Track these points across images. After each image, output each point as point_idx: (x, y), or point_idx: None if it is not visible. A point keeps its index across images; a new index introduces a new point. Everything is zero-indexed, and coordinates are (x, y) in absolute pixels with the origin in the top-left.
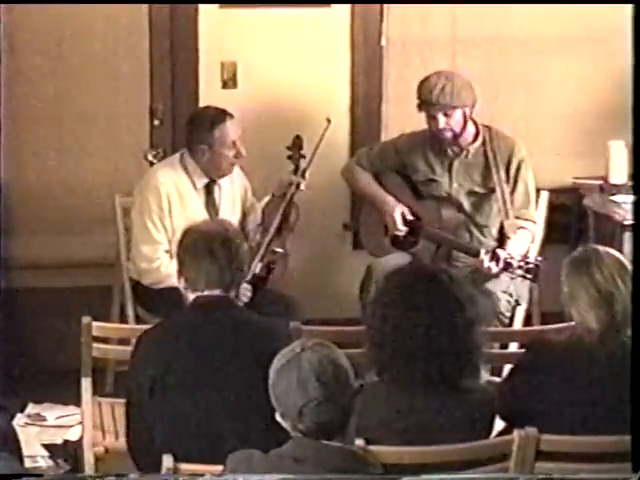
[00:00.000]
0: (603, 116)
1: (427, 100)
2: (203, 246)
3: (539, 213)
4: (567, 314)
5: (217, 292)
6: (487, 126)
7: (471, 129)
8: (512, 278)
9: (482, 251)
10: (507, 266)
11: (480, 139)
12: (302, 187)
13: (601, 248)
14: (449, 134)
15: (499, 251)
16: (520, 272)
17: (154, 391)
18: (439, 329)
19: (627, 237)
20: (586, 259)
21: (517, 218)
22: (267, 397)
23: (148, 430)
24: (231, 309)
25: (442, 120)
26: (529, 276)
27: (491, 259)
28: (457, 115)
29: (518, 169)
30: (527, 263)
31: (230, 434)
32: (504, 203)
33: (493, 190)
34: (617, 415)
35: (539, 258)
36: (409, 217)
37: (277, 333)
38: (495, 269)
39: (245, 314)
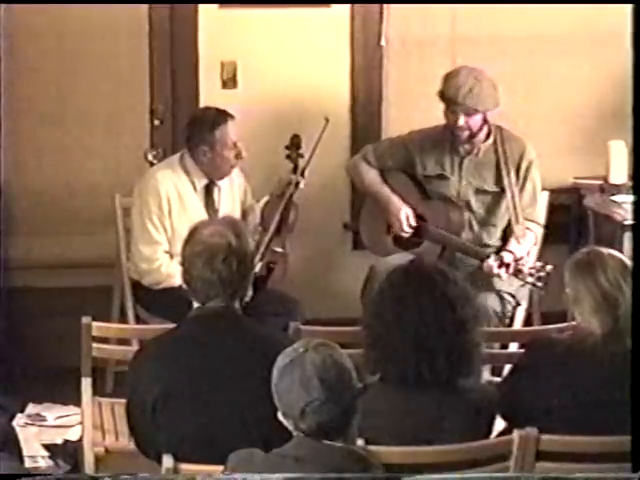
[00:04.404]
0: (603, 116)
1: (452, 98)
2: (205, 261)
3: (539, 213)
4: (570, 315)
5: (220, 303)
6: (498, 126)
7: (484, 128)
8: (522, 285)
9: (492, 257)
10: (517, 273)
11: (492, 138)
12: (301, 186)
13: (604, 250)
14: (466, 133)
15: (506, 256)
16: (531, 279)
17: (157, 405)
18: (430, 329)
19: (627, 237)
20: (590, 262)
21: (524, 218)
22: (269, 403)
23: (151, 434)
24: (234, 320)
25: (462, 119)
26: (539, 284)
27: (500, 265)
28: (477, 117)
29: (528, 170)
30: (538, 271)
31: (232, 437)
32: (515, 208)
33: (502, 190)
34: (617, 415)
35: (549, 266)
36: (413, 221)
37: (279, 343)
38: (504, 276)
39: (247, 324)
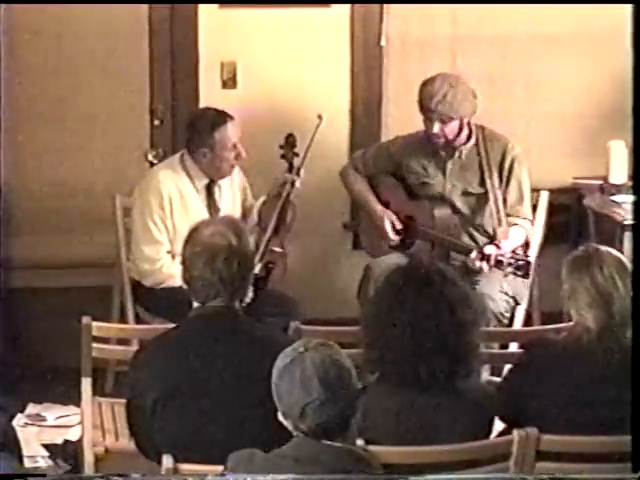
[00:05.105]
0: (603, 116)
1: (426, 106)
2: (206, 261)
3: (539, 213)
4: (565, 312)
5: (220, 303)
6: (480, 126)
7: (465, 131)
8: (505, 275)
9: (474, 251)
10: (498, 264)
11: (473, 139)
12: (297, 185)
13: (602, 248)
14: (441, 140)
15: (488, 250)
16: (510, 269)
17: (157, 405)
18: (428, 330)
19: (627, 237)
20: (587, 258)
21: (510, 215)
22: (269, 403)
23: (150, 434)
24: (233, 320)
25: (437, 126)
26: (519, 273)
27: (481, 259)
28: (453, 124)
29: (511, 167)
30: (517, 260)
31: (232, 437)
32: (497, 211)
33: (487, 191)
34: (616, 415)
35: (529, 254)
36: (398, 226)
37: (279, 343)
38: (486, 268)
39: (247, 324)
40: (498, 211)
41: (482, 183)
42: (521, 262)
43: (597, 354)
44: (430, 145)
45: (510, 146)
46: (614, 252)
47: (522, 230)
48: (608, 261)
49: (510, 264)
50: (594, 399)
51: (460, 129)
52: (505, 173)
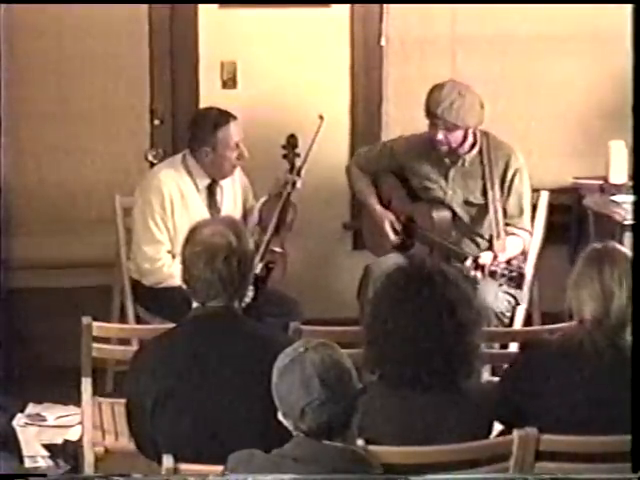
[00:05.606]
0: (603, 116)
1: (432, 111)
2: (206, 261)
3: (539, 213)
4: (567, 300)
5: (220, 303)
6: (485, 132)
7: (469, 139)
8: (499, 285)
9: (469, 259)
10: (492, 274)
11: (477, 147)
12: (298, 185)
13: (620, 248)
14: (445, 147)
15: (483, 259)
16: (504, 280)
17: (157, 404)
18: (428, 330)
19: (627, 237)
20: (603, 253)
21: (510, 225)
22: (269, 403)
23: (150, 434)
24: (233, 320)
25: (441, 133)
26: (512, 284)
27: (475, 267)
28: (458, 133)
29: (512, 180)
30: (511, 271)
31: (232, 438)
32: (497, 223)
33: (488, 202)
34: (612, 414)
35: (522, 265)
36: (398, 227)
37: (279, 343)
38: (480, 277)
39: (247, 324)
40: (497, 224)
41: (484, 193)
42: (515, 274)
43: (589, 352)
44: (434, 150)
45: (513, 157)
46: (628, 255)
47: (519, 240)
48: (620, 261)
49: (504, 275)
50: (588, 398)
51: (464, 137)
52: (507, 185)
